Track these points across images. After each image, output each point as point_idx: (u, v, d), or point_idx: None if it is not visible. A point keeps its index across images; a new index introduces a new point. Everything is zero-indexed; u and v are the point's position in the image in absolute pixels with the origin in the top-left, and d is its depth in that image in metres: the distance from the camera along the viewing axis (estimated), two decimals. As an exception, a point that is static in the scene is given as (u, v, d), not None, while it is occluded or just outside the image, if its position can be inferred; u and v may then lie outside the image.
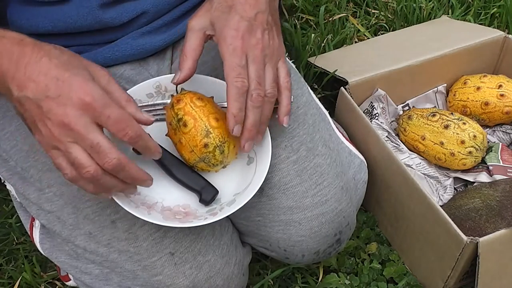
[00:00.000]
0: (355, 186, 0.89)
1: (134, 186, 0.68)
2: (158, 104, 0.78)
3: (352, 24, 1.42)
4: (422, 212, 0.92)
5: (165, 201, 0.75)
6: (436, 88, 1.20)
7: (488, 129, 1.17)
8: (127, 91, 0.72)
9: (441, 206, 0.96)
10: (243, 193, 0.74)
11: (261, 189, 0.79)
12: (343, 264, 1.02)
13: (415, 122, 1.10)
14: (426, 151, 1.08)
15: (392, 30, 1.42)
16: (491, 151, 1.09)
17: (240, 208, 0.71)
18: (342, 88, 1.07)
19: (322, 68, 1.16)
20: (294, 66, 0.98)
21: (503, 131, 1.16)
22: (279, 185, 0.80)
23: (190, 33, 0.71)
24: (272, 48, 0.71)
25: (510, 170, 1.05)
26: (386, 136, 1.10)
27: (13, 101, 0.63)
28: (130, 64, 0.83)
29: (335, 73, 1.11)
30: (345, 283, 0.99)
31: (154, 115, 0.76)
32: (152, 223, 0.71)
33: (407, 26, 1.40)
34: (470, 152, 1.04)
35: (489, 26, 1.41)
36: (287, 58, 0.93)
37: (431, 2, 1.45)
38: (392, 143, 1.11)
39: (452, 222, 0.85)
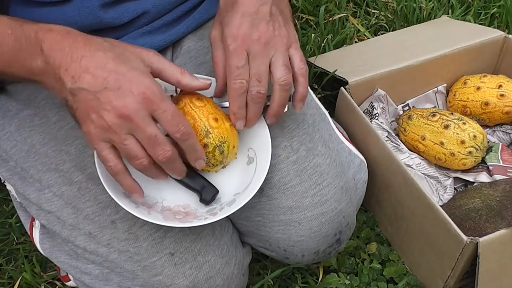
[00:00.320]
0: (355, 186, 0.89)
1: (165, 177, 0.69)
2: None
3: (352, 24, 1.42)
4: (422, 212, 0.92)
5: (165, 201, 0.75)
6: (436, 88, 1.20)
7: (488, 129, 1.17)
8: None
9: (441, 206, 0.96)
10: (243, 193, 0.74)
11: (261, 189, 0.79)
12: (343, 264, 1.02)
13: (415, 122, 1.10)
14: (426, 151, 1.08)
15: (392, 30, 1.42)
16: (491, 151, 1.09)
17: (240, 208, 0.71)
18: (342, 88, 1.07)
19: (322, 68, 1.16)
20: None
21: (503, 131, 1.16)
22: (279, 185, 0.80)
23: (212, 45, 0.72)
24: (280, 37, 0.71)
25: (510, 170, 1.05)
26: (386, 136, 1.10)
27: (64, 93, 0.64)
28: (130, 64, 0.84)
29: (335, 73, 1.11)
30: (345, 283, 0.99)
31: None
32: (152, 223, 0.71)
33: (407, 26, 1.40)
34: (470, 152, 1.04)
35: (489, 26, 1.41)
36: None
37: (431, 2, 1.45)
38: (392, 143, 1.11)
39: (452, 222, 0.85)
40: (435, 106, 1.20)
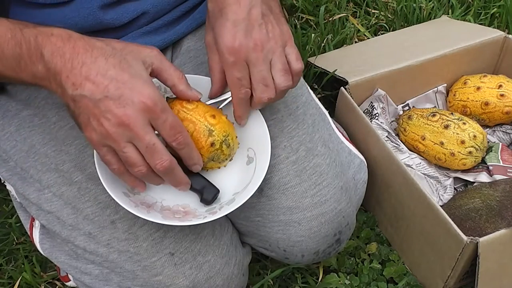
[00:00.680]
0: (355, 186, 0.89)
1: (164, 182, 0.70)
2: None
3: (352, 24, 1.42)
4: (422, 212, 0.92)
5: (165, 201, 0.75)
6: (436, 88, 1.20)
7: (488, 129, 1.17)
8: None
9: (441, 206, 0.96)
10: (242, 193, 0.74)
11: (260, 189, 0.79)
12: (343, 264, 1.02)
13: (415, 122, 1.10)
14: (426, 151, 1.08)
15: (392, 30, 1.42)
16: (491, 151, 1.09)
17: (239, 208, 0.71)
18: (342, 88, 1.07)
19: (322, 68, 1.16)
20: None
21: (503, 131, 1.16)
22: (279, 185, 0.80)
23: (207, 49, 0.73)
24: (274, 39, 0.71)
25: (510, 170, 1.05)
26: (386, 136, 1.10)
27: (66, 99, 0.64)
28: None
29: (335, 73, 1.11)
30: (345, 283, 0.99)
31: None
32: (152, 222, 0.71)
33: (407, 26, 1.40)
34: (470, 152, 1.04)
35: (489, 26, 1.41)
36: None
37: (431, 2, 1.45)
38: (392, 143, 1.11)
39: (452, 222, 0.85)
40: (435, 106, 1.20)
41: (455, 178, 1.09)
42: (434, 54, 1.13)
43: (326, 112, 0.94)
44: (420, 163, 1.09)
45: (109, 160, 0.65)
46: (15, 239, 1.06)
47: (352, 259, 1.03)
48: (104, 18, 0.77)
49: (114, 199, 0.69)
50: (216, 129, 0.71)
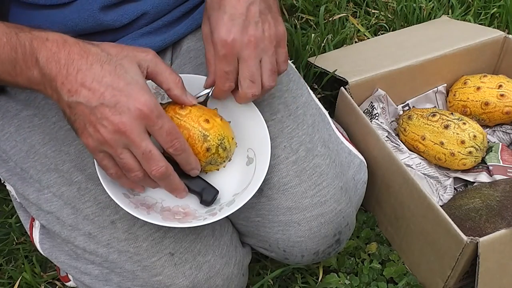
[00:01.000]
0: (355, 186, 0.89)
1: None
2: None
3: (352, 24, 1.42)
4: (422, 212, 0.92)
5: (165, 201, 0.75)
6: (436, 88, 1.20)
7: (488, 129, 1.17)
8: None
9: (441, 206, 0.96)
10: (242, 194, 0.74)
11: (260, 190, 0.79)
12: (343, 264, 1.02)
13: (415, 122, 1.10)
14: (426, 151, 1.08)
15: (392, 30, 1.42)
16: (491, 151, 1.09)
17: (239, 209, 0.71)
18: (342, 88, 1.07)
19: (322, 68, 1.16)
20: (294, 66, 0.98)
21: (503, 131, 1.16)
22: (278, 186, 0.80)
23: (204, 41, 0.73)
24: (269, 38, 0.71)
25: (510, 170, 1.05)
26: (386, 136, 1.10)
27: (61, 104, 0.64)
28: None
29: (335, 73, 1.11)
30: (345, 283, 0.99)
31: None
32: (152, 223, 0.71)
33: (407, 26, 1.40)
34: (470, 152, 1.04)
35: (489, 26, 1.41)
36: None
37: (431, 2, 1.45)
38: (392, 143, 1.11)
39: (452, 222, 0.85)
40: (435, 106, 1.20)
41: (455, 178, 1.09)
42: (434, 54, 1.13)
43: (326, 113, 0.94)
44: (420, 163, 1.09)
45: (106, 165, 0.66)
46: (15, 239, 1.06)
47: (352, 259, 1.03)
48: (104, 19, 0.77)
49: (114, 201, 0.69)
50: (210, 133, 0.71)
